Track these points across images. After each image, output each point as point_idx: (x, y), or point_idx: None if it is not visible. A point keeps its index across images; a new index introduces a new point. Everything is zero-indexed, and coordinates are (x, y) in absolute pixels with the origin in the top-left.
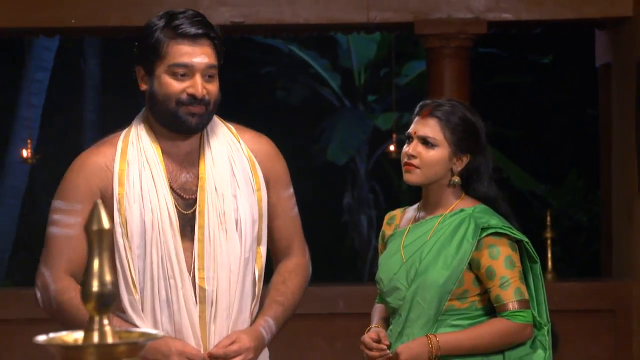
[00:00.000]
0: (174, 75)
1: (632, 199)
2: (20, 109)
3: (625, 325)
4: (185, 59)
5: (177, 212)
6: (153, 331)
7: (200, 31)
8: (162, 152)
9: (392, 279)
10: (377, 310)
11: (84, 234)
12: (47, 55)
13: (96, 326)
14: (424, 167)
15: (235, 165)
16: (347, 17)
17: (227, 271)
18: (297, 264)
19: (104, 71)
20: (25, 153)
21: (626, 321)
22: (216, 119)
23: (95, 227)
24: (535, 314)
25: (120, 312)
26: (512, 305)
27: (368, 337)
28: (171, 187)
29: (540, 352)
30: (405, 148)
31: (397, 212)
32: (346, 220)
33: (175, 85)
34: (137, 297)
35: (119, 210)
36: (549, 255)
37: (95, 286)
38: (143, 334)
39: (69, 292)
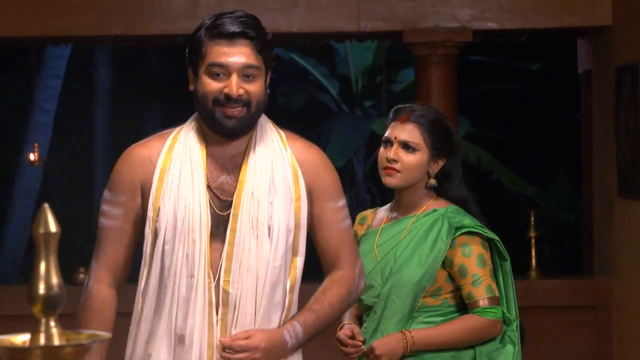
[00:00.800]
0: (211, 75)
1: (612, 200)
2: (34, 114)
3: (605, 321)
4: (221, 59)
5: (212, 212)
6: (102, 333)
7: (237, 30)
8: (207, 152)
9: (366, 277)
10: (350, 309)
11: (127, 226)
12: (59, 62)
13: (43, 328)
14: (404, 171)
15: (277, 173)
16: (338, 26)
17: (254, 277)
18: (342, 276)
19: (114, 78)
20: (32, 156)
21: (606, 317)
22: (269, 125)
23: (42, 230)
24: (505, 310)
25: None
26: (483, 302)
27: (342, 333)
28: (209, 186)
29: (509, 347)
30: (384, 152)
31: (368, 212)
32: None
33: (213, 85)
34: (149, 294)
35: (153, 204)
36: (533, 253)
37: (41, 289)
38: (91, 336)
39: (95, 299)
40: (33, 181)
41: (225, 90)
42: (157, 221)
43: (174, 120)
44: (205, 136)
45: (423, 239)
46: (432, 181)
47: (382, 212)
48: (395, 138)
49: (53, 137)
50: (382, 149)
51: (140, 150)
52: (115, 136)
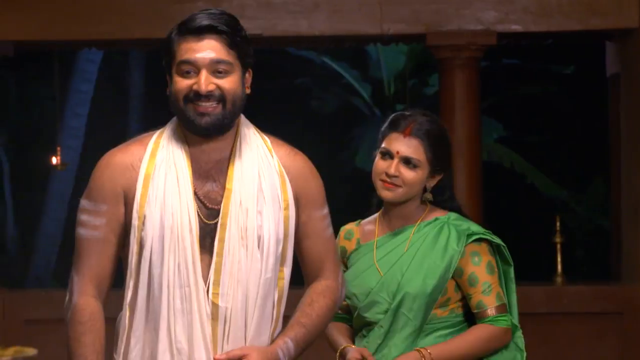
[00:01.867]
0: (182, 73)
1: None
2: (66, 119)
3: (632, 328)
4: (189, 55)
5: (199, 221)
6: (30, 349)
7: (204, 24)
8: (190, 158)
9: (369, 293)
10: (336, 328)
11: (110, 236)
12: (91, 67)
13: None
14: (405, 186)
15: (264, 181)
16: (361, 29)
17: (245, 290)
18: (326, 286)
19: (147, 82)
20: (55, 160)
21: (633, 323)
22: (252, 129)
23: None
24: (511, 317)
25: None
26: (491, 310)
27: (354, 358)
28: (195, 194)
29: (517, 354)
30: (383, 164)
31: (351, 226)
32: None
33: (183, 83)
34: (137, 306)
35: (138, 212)
36: (559, 259)
37: None
38: (17, 351)
39: (83, 313)
40: (65, 185)
41: (194, 87)
42: (142, 230)
43: None
44: (187, 140)
45: (430, 249)
46: (429, 195)
47: (369, 225)
48: (397, 153)
49: (86, 141)
50: (379, 160)
51: (121, 157)
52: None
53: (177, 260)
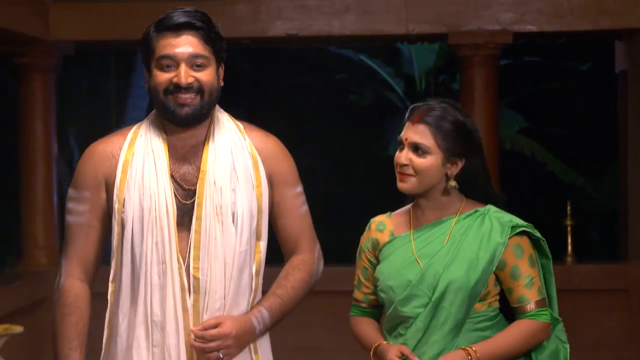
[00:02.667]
0: (161, 68)
1: None
2: (128, 111)
3: (638, 304)
4: (168, 50)
5: (177, 201)
6: (17, 328)
7: (182, 21)
8: (167, 144)
9: (408, 286)
10: (367, 324)
11: (94, 221)
12: None
13: None
14: (417, 175)
15: (237, 161)
16: (388, 28)
17: (222, 263)
18: (302, 260)
19: None
20: None
21: (638, 300)
22: (226, 116)
23: None
24: (551, 310)
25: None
26: (530, 305)
27: (394, 356)
28: (172, 177)
29: (560, 347)
30: (397, 155)
31: (383, 218)
32: None
33: (162, 76)
34: (123, 283)
35: (118, 196)
36: (569, 240)
37: None
38: (5, 329)
39: (68, 295)
40: None
41: (175, 79)
42: (122, 212)
43: (259, 119)
44: (165, 129)
45: (472, 241)
46: (452, 183)
47: (401, 216)
48: (406, 140)
49: None
50: (397, 151)
51: (103, 146)
52: None
53: (155, 239)
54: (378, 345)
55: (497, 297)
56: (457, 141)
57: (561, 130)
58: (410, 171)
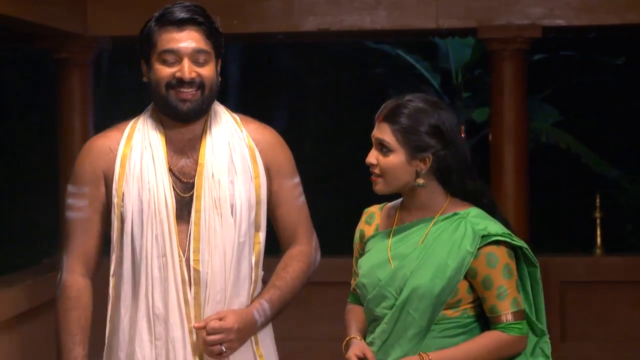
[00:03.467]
0: (164, 62)
1: None
2: None
3: None
4: (172, 45)
5: (175, 195)
6: None
7: (185, 16)
8: (165, 137)
9: (378, 286)
10: (354, 315)
11: (94, 216)
12: None
13: None
14: (384, 175)
15: (235, 153)
16: (418, 23)
17: (222, 254)
18: (300, 251)
19: (243, 73)
20: None
21: None
22: (222, 108)
23: None
24: (535, 320)
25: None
26: (507, 317)
27: (353, 355)
28: (170, 170)
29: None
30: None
31: (375, 209)
32: None
33: (165, 71)
34: (124, 277)
35: (117, 190)
36: (598, 232)
37: None
38: None
39: (71, 290)
40: None
41: (178, 74)
42: (122, 206)
43: (300, 112)
44: (162, 123)
45: (443, 247)
46: (420, 181)
47: (391, 210)
48: (373, 137)
49: None
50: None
51: (102, 142)
52: None
53: (155, 232)
54: (349, 338)
55: (473, 305)
56: (419, 137)
57: (596, 123)
58: (377, 171)
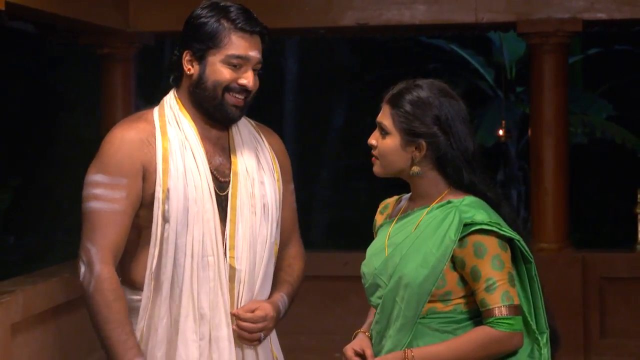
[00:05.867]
0: (229, 64)
1: None
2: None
3: None
4: (242, 51)
5: (215, 193)
6: None
7: (257, 28)
8: (199, 134)
9: (373, 274)
10: (372, 310)
11: (129, 209)
12: None
13: None
14: (380, 157)
15: (261, 154)
16: (458, 17)
17: (254, 252)
18: (298, 252)
19: (301, 67)
20: None
21: None
22: None
23: None
24: (531, 320)
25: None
26: (499, 311)
27: (351, 349)
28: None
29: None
30: None
31: (391, 200)
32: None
33: (229, 74)
34: (164, 275)
35: (162, 186)
36: (639, 228)
37: None
38: None
39: (111, 281)
40: None
41: (242, 81)
42: (166, 203)
43: (358, 106)
44: (193, 118)
45: (431, 235)
46: (415, 168)
47: (403, 201)
48: (377, 119)
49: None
50: None
51: (135, 133)
52: (300, 118)
53: (202, 231)
54: (357, 332)
55: (467, 300)
56: (416, 122)
57: None
58: (376, 152)
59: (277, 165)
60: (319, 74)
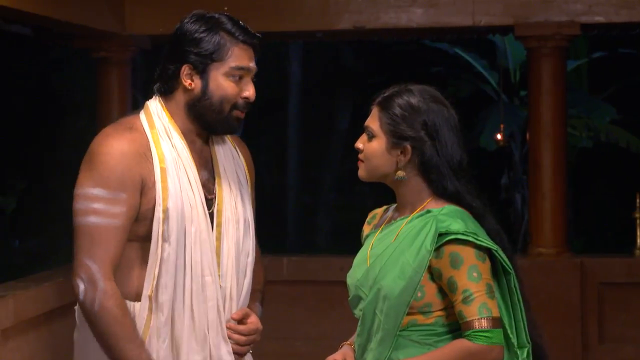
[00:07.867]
0: (232, 76)
1: None
2: None
3: None
4: (246, 63)
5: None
6: None
7: (255, 40)
8: (189, 148)
9: (355, 285)
10: None
11: (127, 224)
12: None
13: None
14: (365, 160)
15: (238, 167)
16: (455, 21)
17: (237, 268)
18: (258, 257)
19: (305, 72)
20: None
21: None
22: None
23: None
24: (511, 334)
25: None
26: (478, 323)
27: (332, 359)
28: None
29: None
30: None
31: (379, 210)
32: (503, 198)
33: (232, 87)
34: (164, 296)
35: (162, 205)
36: (638, 233)
37: None
38: None
39: (116, 297)
40: None
41: (245, 94)
42: (165, 223)
43: (363, 110)
44: (182, 131)
45: (409, 245)
46: (400, 173)
47: (390, 211)
48: (365, 122)
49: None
50: None
51: (132, 146)
52: (305, 124)
53: (200, 251)
54: (342, 344)
55: (447, 313)
56: (403, 125)
57: None
58: (362, 156)
59: (248, 175)
60: (323, 78)
